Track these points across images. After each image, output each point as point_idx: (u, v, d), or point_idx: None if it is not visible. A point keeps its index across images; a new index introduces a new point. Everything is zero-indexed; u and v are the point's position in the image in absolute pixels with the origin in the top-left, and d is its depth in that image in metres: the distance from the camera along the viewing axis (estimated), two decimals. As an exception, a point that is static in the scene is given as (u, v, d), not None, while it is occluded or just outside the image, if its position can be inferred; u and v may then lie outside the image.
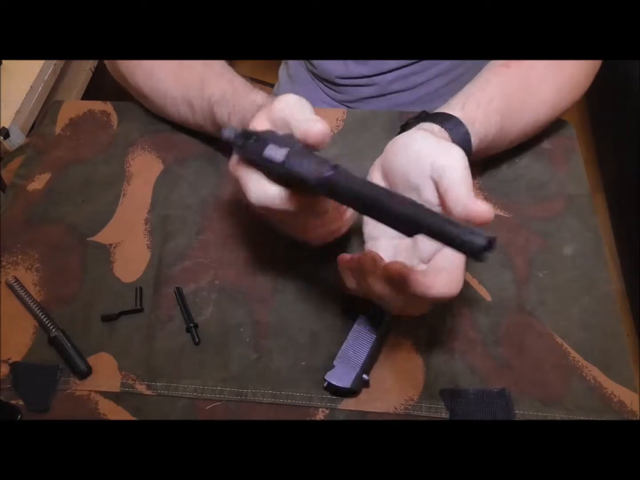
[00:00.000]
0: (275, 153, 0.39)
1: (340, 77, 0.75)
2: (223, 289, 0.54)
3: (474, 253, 0.29)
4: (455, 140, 0.46)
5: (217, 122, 0.53)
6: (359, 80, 0.74)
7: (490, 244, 0.29)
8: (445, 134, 0.46)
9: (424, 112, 0.52)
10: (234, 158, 0.43)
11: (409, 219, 0.32)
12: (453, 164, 0.40)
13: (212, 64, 0.56)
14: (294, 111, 0.41)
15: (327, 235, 0.46)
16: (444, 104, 0.51)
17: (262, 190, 0.40)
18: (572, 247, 0.54)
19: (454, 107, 0.49)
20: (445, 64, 0.73)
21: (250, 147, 0.41)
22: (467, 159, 0.41)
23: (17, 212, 0.60)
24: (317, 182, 0.36)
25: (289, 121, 0.40)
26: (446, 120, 0.47)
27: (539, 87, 0.55)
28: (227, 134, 0.43)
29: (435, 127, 0.47)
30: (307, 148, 0.39)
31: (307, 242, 0.47)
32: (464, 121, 0.48)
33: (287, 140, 0.40)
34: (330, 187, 0.35)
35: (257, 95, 0.50)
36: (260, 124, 0.43)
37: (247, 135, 0.41)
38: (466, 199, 0.39)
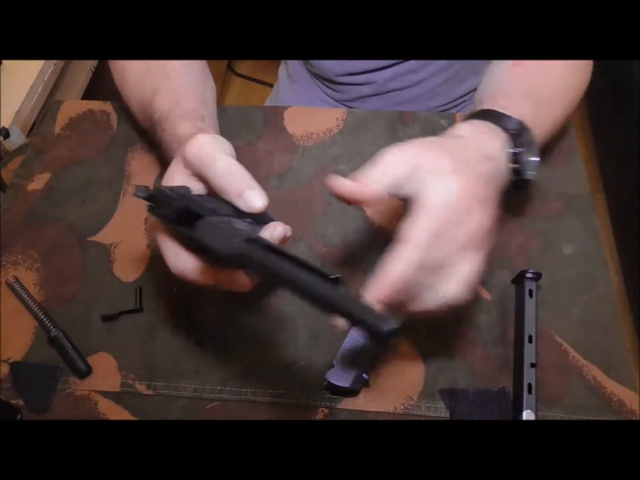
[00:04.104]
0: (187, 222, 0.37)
1: (338, 75, 0.75)
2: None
3: (379, 336, 0.30)
4: (509, 129, 0.44)
5: (158, 141, 0.52)
6: (357, 77, 0.74)
7: (395, 331, 0.30)
8: (489, 127, 0.44)
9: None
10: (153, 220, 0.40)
11: (320, 300, 0.32)
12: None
13: (176, 75, 0.55)
14: (207, 161, 0.39)
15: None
16: (442, 101, 0.50)
17: (179, 260, 0.40)
18: (571, 247, 0.54)
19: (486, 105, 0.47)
20: (442, 62, 0.73)
21: (163, 210, 0.39)
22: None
23: (17, 212, 0.60)
24: (226, 255, 0.34)
25: (205, 174, 0.39)
26: (492, 116, 0.45)
27: (560, 72, 0.54)
28: (140, 193, 0.40)
29: (483, 124, 0.44)
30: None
31: None
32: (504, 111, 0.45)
33: (202, 202, 0.38)
34: (242, 260, 0.34)
35: (184, 126, 0.47)
36: (175, 178, 0.41)
37: (158, 197, 0.39)
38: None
